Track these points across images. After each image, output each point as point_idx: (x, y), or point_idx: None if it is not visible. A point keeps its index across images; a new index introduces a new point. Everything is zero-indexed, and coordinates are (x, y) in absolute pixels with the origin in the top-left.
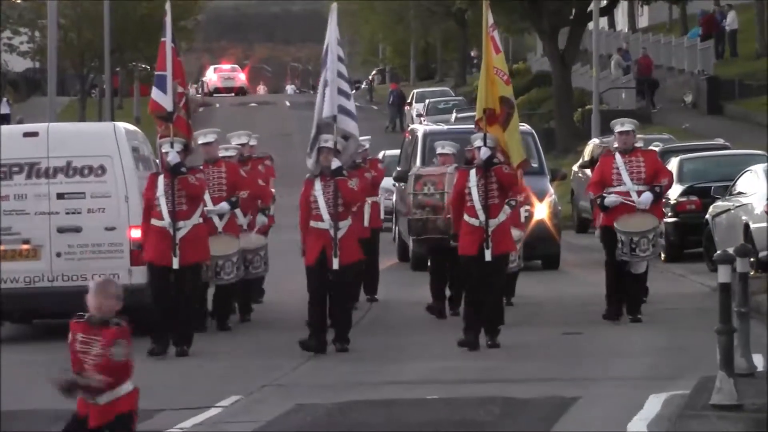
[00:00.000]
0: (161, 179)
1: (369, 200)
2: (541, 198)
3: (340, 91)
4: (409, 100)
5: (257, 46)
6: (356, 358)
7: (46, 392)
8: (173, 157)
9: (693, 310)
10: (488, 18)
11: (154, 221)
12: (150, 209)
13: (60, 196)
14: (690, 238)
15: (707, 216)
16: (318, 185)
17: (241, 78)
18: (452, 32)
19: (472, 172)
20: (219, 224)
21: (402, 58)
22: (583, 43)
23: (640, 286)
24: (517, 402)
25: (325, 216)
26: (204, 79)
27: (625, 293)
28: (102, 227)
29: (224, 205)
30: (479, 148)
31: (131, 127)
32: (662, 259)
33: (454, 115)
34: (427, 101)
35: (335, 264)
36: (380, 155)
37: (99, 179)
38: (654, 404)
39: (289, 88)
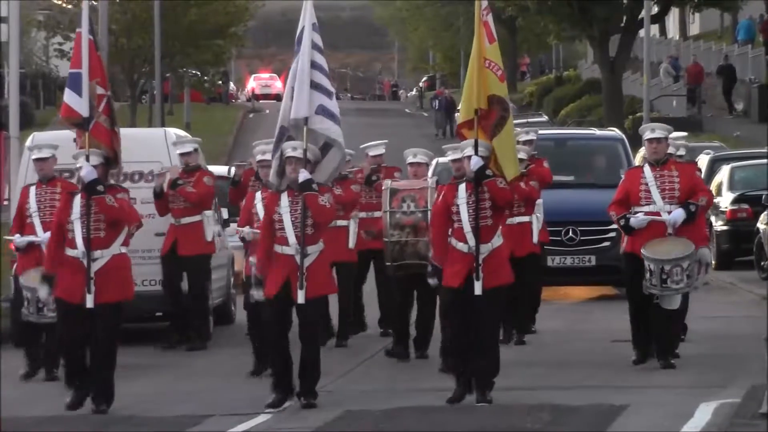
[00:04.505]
0: (77, 200)
1: (356, 215)
2: None
3: (316, 86)
4: (458, 107)
5: None
6: (404, 365)
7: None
8: (88, 173)
9: (743, 319)
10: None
11: (67, 250)
12: (59, 230)
13: None
14: (741, 247)
15: (758, 224)
16: (285, 201)
17: (277, 86)
18: (502, 39)
19: (462, 186)
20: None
21: (452, 65)
22: (633, 50)
23: (674, 324)
24: (565, 409)
25: (291, 239)
26: (248, 86)
27: (654, 333)
28: (152, 233)
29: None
30: (469, 157)
31: (182, 132)
32: (712, 267)
33: None
34: None
35: (300, 297)
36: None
37: (150, 185)
38: (704, 412)
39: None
